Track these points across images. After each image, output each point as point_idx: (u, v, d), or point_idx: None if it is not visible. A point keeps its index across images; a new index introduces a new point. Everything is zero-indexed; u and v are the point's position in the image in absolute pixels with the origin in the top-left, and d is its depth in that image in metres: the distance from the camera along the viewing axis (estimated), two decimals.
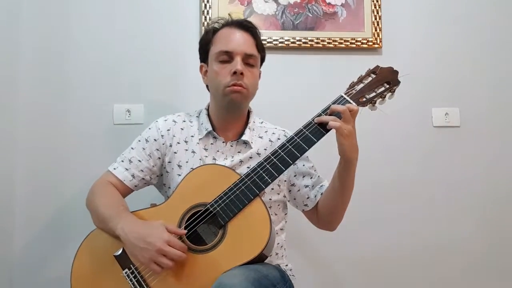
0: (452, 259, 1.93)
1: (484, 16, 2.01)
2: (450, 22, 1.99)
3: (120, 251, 1.25)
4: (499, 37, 2.00)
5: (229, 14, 1.50)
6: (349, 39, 1.94)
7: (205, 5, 1.89)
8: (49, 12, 1.86)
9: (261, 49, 1.48)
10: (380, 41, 1.94)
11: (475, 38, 2.00)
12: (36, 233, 1.81)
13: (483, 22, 2.00)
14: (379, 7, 1.95)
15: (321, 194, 1.43)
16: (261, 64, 1.50)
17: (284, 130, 1.52)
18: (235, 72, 1.36)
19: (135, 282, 1.22)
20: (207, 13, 1.89)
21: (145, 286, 1.22)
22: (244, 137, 1.44)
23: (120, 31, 1.89)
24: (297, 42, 1.92)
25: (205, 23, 1.88)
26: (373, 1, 1.94)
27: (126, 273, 1.23)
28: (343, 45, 1.93)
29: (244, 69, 1.38)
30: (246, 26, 1.44)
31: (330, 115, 1.26)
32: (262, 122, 1.53)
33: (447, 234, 1.94)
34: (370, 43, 1.94)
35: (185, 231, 1.24)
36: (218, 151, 1.44)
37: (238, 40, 1.41)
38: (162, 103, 1.88)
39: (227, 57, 1.39)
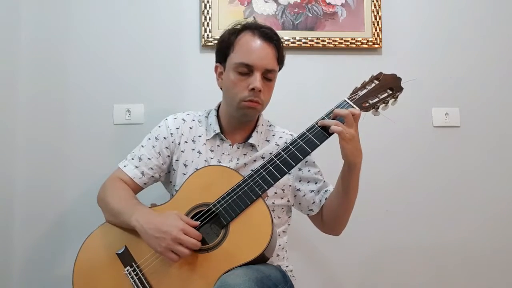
0: (452, 259, 1.94)
1: (484, 16, 2.01)
2: (450, 22, 2.00)
3: (122, 249, 1.27)
4: (499, 37, 2.01)
5: (253, 17, 1.47)
6: (349, 39, 1.94)
7: (205, 5, 1.88)
8: (49, 11, 1.86)
9: (281, 62, 1.44)
10: (380, 41, 1.94)
11: (475, 38, 2.00)
12: (36, 233, 1.81)
13: (483, 22, 2.01)
14: (379, 7, 1.95)
15: (326, 199, 1.43)
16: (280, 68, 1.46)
17: (292, 134, 1.51)
18: (253, 89, 1.34)
19: (137, 280, 1.23)
20: (207, 13, 1.89)
21: (146, 284, 1.22)
22: (251, 140, 1.44)
23: (120, 31, 1.88)
24: (297, 42, 1.92)
25: (205, 23, 1.88)
26: (373, 1, 1.94)
27: (127, 270, 1.24)
28: (343, 45, 1.93)
29: (262, 85, 1.35)
30: (270, 37, 1.39)
31: (333, 119, 1.26)
32: (270, 125, 1.53)
33: (447, 233, 1.94)
34: (370, 43, 1.94)
35: (198, 223, 1.23)
36: (223, 153, 1.43)
37: (260, 53, 1.36)
38: (162, 103, 1.87)
39: (247, 69, 1.35)
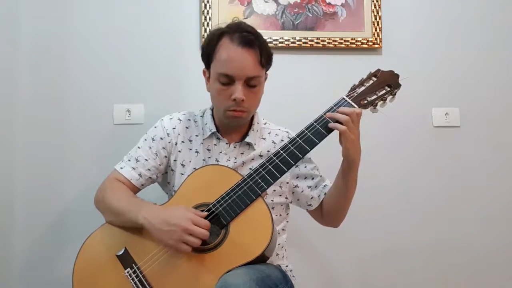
0: (452, 259, 1.94)
1: (484, 16, 2.01)
2: (450, 22, 2.00)
3: (122, 250, 1.27)
4: (499, 37, 2.01)
5: (233, 19, 1.45)
6: (349, 39, 1.93)
7: (205, 5, 1.88)
8: (48, 11, 1.86)
9: (267, 63, 1.38)
10: (380, 41, 1.94)
11: (475, 38, 2.00)
12: (36, 233, 1.81)
13: (483, 22, 2.01)
14: (379, 7, 1.95)
15: (325, 194, 1.44)
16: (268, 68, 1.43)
17: (287, 132, 1.51)
18: (235, 99, 1.32)
19: (137, 282, 1.23)
20: (207, 13, 1.89)
21: (146, 286, 1.22)
22: (247, 139, 1.44)
23: (120, 30, 1.88)
24: (297, 42, 1.92)
25: (205, 23, 1.88)
26: (373, 1, 1.94)
27: (128, 272, 1.24)
28: (343, 45, 1.93)
29: (245, 93, 1.32)
30: (250, 42, 1.32)
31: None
32: (265, 123, 1.52)
33: (447, 233, 1.94)
34: (370, 43, 1.94)
35: (205, 213, 1.23)
36: (221, 152, 1.43)
37: (240, 62, 1.31)
38: (162, 103, 1.87)
39: (228, 80, 1.32)
